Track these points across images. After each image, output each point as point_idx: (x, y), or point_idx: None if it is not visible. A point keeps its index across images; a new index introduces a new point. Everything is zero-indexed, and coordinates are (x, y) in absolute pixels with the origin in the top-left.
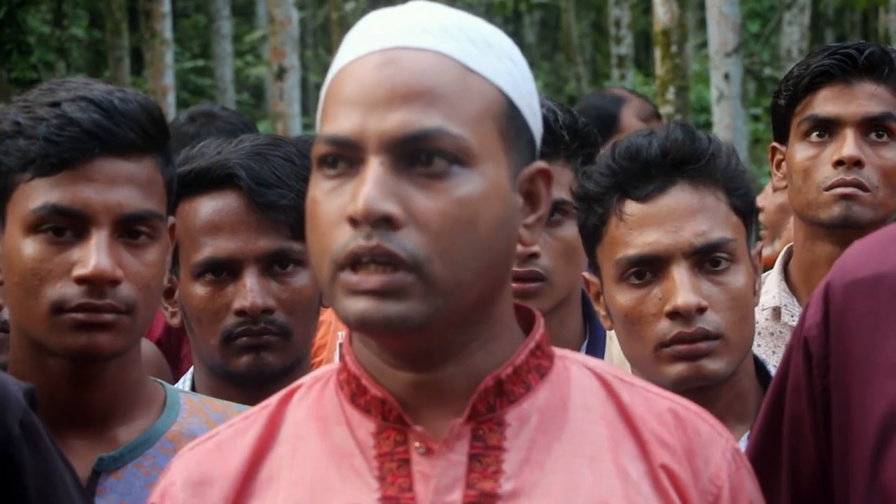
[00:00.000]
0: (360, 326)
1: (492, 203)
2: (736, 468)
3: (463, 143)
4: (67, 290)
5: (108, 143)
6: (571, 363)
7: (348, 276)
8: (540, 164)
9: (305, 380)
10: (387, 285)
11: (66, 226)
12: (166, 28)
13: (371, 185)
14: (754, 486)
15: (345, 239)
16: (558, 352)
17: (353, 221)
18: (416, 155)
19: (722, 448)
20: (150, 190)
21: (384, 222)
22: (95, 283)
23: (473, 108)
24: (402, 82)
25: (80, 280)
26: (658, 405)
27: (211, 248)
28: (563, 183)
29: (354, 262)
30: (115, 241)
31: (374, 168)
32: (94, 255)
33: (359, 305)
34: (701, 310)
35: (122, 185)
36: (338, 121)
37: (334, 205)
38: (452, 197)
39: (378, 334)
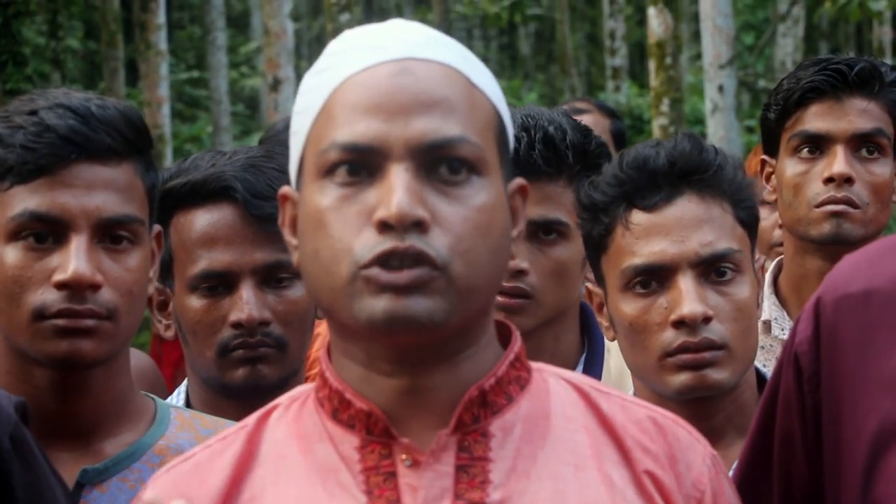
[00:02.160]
0: (386, 322)
1: (499, 212)
2: (715, 473)
3: (481, 152)
4: (48, 297)
5: (84, 149)
6: (549, 375)
7: (377, 272)
8: (520, 180)
9: (282, 399)
10: (417, 279)
11: (45, 232)
12: (161, 39)
13: (402, 191)
14: (732, 491)
15: (371, 242)
16: (535, 364)
17: (384, 226)
18: (437, 162)
19: (702, 454)
20: (130, 195)
21: (414, 226)
22: (75, 288)
23: (481, 120)
24: (422, 91)
25: (60, 285)
26: (636, 413)
27: (207, 261)
28: (563, 203)
29: (384, 261)
30: (94, 247)
31: (400, 174)
32: (73, 259)
33: (382, 303)
34: (706, 319)
35: (100, 189)
36: (354, 128)
37: (352, 211)
38: (472, 204)
39: (399, 333)
